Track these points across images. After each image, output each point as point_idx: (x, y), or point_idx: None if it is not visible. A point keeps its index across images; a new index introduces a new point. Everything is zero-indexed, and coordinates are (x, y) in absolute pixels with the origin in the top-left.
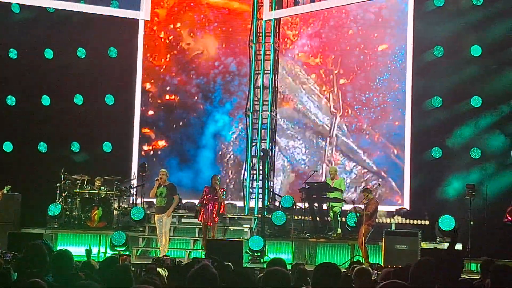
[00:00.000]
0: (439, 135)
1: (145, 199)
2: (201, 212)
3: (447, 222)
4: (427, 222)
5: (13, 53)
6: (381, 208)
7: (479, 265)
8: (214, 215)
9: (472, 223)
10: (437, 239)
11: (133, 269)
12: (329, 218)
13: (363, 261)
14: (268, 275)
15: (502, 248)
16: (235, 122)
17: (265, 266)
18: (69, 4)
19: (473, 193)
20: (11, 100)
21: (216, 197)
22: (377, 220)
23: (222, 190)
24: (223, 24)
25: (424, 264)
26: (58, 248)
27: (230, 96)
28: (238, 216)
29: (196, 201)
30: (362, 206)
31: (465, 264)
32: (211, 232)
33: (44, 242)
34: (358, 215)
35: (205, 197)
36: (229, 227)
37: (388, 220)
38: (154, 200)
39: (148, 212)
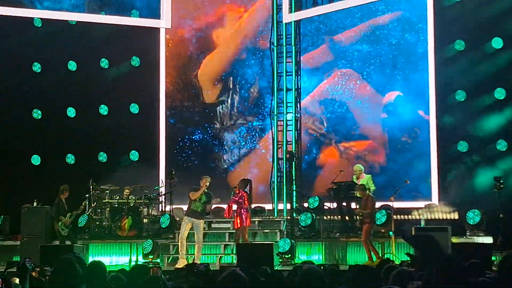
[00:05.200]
0: (464, 129)
1: (174, 206)
2: (235, 218)
3: (473, 216)
4: (456, 217)
5: (36, 67)
6: (410, 204)
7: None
8: (244, 219)
9: (501, 215)
10: (467, 233)
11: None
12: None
13: (375, 259)
14: (303, 274)
15: None
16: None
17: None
18: (90, 16)
19: (501, 186)
20: (37, 114)
21: (241, 201)
22: (405, 216)
23: (243, 193)
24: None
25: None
26: (90, 259)
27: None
28: (267, 218)
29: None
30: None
31: (496, 257)
32: (242, 236)
33: (74, 254)
34: (361, 215)
35: (233, 199)
36: (259, 230)
37: (417, 216)
38: (185, 206)
39: (178, 219)
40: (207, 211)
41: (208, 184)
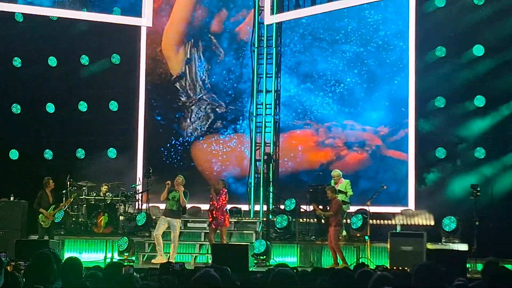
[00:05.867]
0: (443, 136)
1: (150, 204)
2: (210, 218)
3: (448, 223)
4: (432, 223)
5: (17, 62)
6: (387, 209)
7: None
8: (226, 219)
9: (477, 223)
10: (443, 240)
11: (142, 274)
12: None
13: (339, 264)
14: (275, 276)
15: (509, 248)
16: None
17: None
18: (72, 12)
19: (478, 193)
20: (16, 108)
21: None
22: (381, 221)
23: (224, 190)
24: None
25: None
26: (65, 255)
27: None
28: (243, 220)
29: (201, 205)
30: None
31: (470, 265)
32: (220, 236)
33: (50, 250)
34: (323, 217)
35: (210, 202)
36: (235, 231)
37: (393, 222)
38: (162, 205)
39: (154, 217)
40: (183, 207)
41: (180, 181)
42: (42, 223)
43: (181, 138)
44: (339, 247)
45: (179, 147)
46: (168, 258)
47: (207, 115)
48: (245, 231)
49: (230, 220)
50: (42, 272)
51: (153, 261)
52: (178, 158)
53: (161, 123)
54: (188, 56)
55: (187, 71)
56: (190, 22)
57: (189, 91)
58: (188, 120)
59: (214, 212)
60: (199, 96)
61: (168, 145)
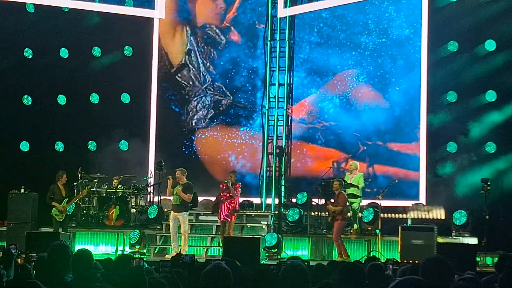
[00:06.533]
0: (454, 130)
1: (162, 197)
2: (220, 210)
3: (459, 217)
4: (442, 217)
5: (28, 53)
6: (398, 203)
7: (495, 259)
8: (230, 212)
9: (487, 217)
10: (453, 234)
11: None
12: (349, 214)
13: (343, 257)
14: (286, 270)
15: None
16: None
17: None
18: (84, 3)
19: (488, 188)
20: (27, 100)
21: (231, 194)
22: (392, 215)
23: (238, 185)
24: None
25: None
26: (76, 247)
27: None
28: (255, 213)
29: (213, 198)
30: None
31: (480, 258)
32: (228, 229)
33: (61, 242)
34: (334, 213)
35: (221, 194)
36: (246, 224)
37: (404, 216)
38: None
39: (166, 210)
40: (195, 201)
41: (181, 175)
42: (56, 216)
43: (193, 130)
44: (341, 241)
45: (192, 139)
46: (180, 251)
47: (221, 107)
48: (256, 224)
49: (241, 213)
50: (58, 264)
51: (166, 256)
52: (191, 150)
53: (173, 115)
54: (190, 46)
55: (192, 62)
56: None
57: (196, 83)
58: (201, 113)
59: (226, 204)
60: (204, 86)
61: (181, 137)
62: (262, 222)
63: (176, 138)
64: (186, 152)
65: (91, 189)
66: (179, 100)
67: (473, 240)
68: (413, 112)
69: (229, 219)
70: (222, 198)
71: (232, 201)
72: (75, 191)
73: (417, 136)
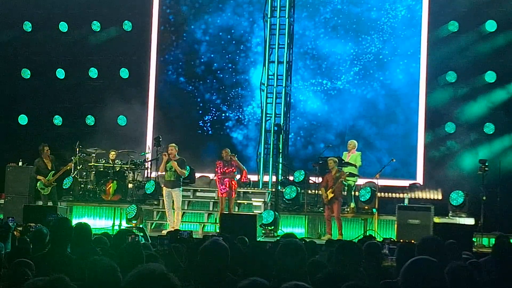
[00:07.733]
0: (453, 110)
1: (159, 173)
2: (219, 188)
3: (456, 197)
4: (439, 197)
5: (27, 26)
6: (395, 183)
7: (492, 240)
8: (233, 189)
9: (484, 198)
10: (450, 214)
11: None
12: (344, 193)
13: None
14: (282, 247)
15: None
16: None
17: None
18: None
19: (486, 169)
20: (26, 73)
21: (230, 170)
22: (389, 194)
23: (234, 157)
24: None
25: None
26: (73, 221)
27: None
28: (252, 190)
29: (210, 175)
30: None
31: (476, 239)
32: (228, 206)
33: (59, 216)
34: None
35: (219, 171)
36: (243, 201)
37: (401, 195)
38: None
39: (163, 185)
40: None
41: (174, 151)
42: (41, 190)
43: (193, 107)
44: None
45: (192, 115)
46: (173, 225)
47: (221, 83)
48: (254, 201)
49: (238, 190)
50: (60, 237)
51: (163, 231)
52: (190, 126)
53: (172, 91)
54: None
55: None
56: None
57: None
58: (201, 88)
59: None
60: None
61: (180, 113)
62: (259, 200)
63: (175, 113)
64: (186, 128)
65: (89, 163)
66: (179, 75)
67: (470, 221)
68: (412, 92)
69: (233, 194)
70: (220, 176)
71: (233, 178)
72: (73, 163)
73: (415, 116)
